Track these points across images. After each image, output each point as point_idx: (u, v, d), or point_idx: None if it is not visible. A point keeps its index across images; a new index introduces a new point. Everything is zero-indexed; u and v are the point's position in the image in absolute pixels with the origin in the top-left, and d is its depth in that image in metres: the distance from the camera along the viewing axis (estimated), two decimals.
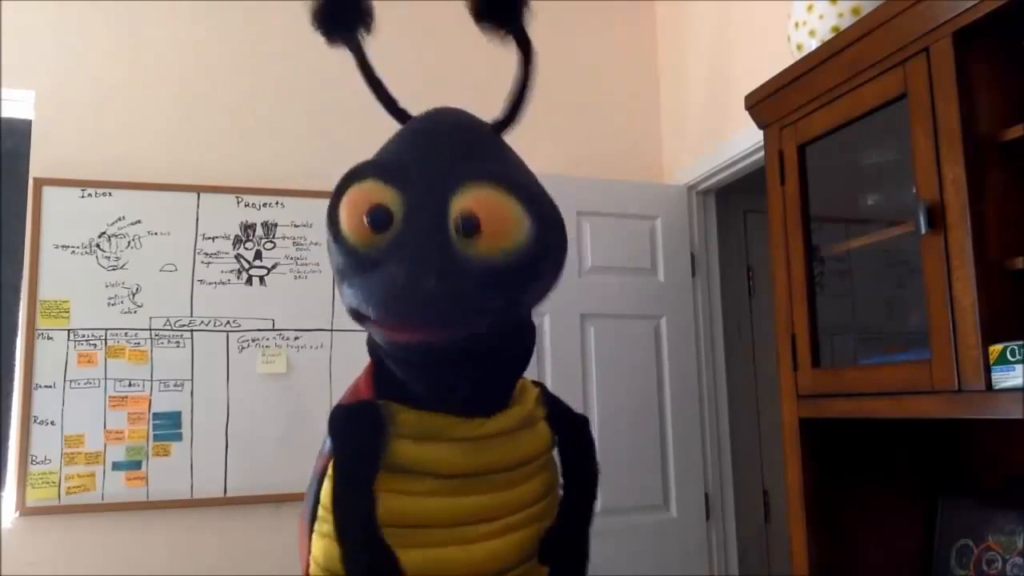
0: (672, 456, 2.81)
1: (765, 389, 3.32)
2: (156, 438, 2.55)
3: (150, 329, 2.60)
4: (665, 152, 3.19)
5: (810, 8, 1.78)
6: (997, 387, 1.25)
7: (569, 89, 3.15)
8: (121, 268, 2.60)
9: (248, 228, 2.73)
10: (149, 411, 2.56)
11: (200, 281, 2.66)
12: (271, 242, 2.73)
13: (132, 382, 2.55)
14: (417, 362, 1.31)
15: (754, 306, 3.39)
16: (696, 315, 2.95)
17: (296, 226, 2.76)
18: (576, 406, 2.65)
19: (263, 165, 2.78)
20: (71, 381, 2.50)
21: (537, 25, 3.50)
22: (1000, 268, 1.31)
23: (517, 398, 1.45)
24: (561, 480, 1.51)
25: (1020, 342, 1.22)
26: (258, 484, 2.60)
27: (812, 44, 1.77)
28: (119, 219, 2.61)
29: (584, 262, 2.82)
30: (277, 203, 2.76)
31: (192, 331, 2.63)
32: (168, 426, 2.56)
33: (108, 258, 2.59)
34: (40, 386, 2.48)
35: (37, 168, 2.58)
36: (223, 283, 2.68)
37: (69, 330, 2.53)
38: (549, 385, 2.63)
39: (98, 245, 2.59)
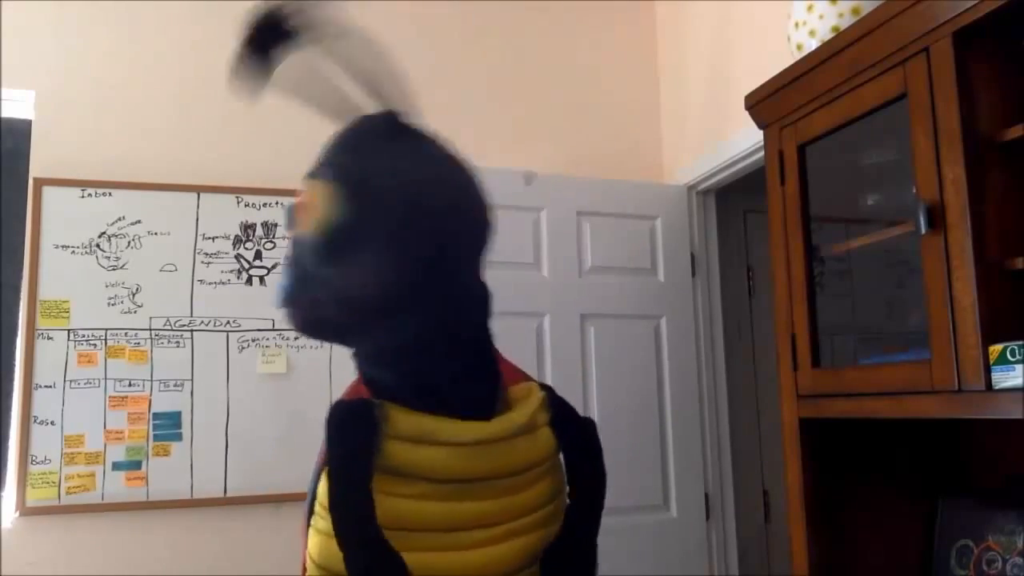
0: (672, 456, 2.82)
1: (765, 389, 3.32)
2: (156, 438, 2.55)
3: (150, 329, 2.60)
4: (665, 152, 3.19)
5: (810, 8, 1.78)
6: (997, 387, 1.25)
7: (569, 89, 3.15)
8: (121, 268, 2.60)
9: (248, 228, 2.73)
10: (149, 411, 2.56)
11: (200, 281, 2.66)
12: (271, 242, 2.73)
13: (132, 382, 2.56)
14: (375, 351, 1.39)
15: (754, 306, 3.39)
16: (696, 315, 2.95)
17: None
18: (576, 406, 2.66)
19: (263, 165, 2.78)
20: (71, 381, 2.50)
21: (537, 25, 3.51)
22: (1000, 268, 1.31)
23: (518, 401, 1.42)
24: (568, 487, 1.48)
25: (1020, 342, 1.22)
26: (258, 484, 2.60)
27: (812, 44, 1.77)
28: (119, 219, 2.62)
29: (584, 262, 2.82)
30: (277, 203, 2.76)
31: (192, 331, 2.63)
32: (168, 426, 2.56)
33: (108, 258, 2.59)
34: (40, 386, 2.48)
35: (37, 168, 2.59)
36: (223, 283, 2.68)
37: (69, 330, 2.53)
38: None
39: (98, 245, 2.59)
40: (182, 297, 2.64)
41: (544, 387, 1.50)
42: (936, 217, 1.37)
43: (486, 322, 1.46)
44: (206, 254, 2.67)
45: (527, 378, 1.51)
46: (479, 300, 1.45)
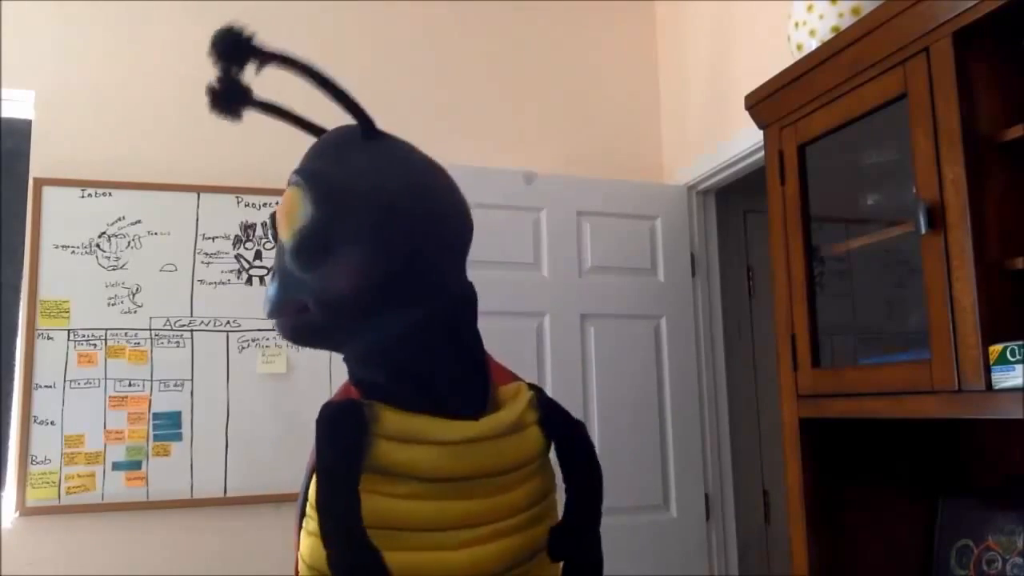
0: (672, 456, 2.82)
1: (765, 389, 3.32)
2: (156, 438, 2.55)
3: (150, 329, 2.60)
4: (665, 152, 3.19)
5: (810, 8, 1.78)
6: (997, 387, 1.25)
7: (569, 89, 3.15)
8: (121, 268, 2.60)
9: (248, 228, 2.73)
10: (149, 411, 2.56)
11: (200, 281, 2.66)
12: (271, 242, 2.73)
13: (132, 382, 2.56)
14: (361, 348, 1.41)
15: (754, 306, 3.39)
16: (696, 315, 2.95)
17: None
18: (576, 406, 2.70)
19: (263, 165, 2.78)
20: (71, 381, 2.50)
21: (537, 25, 3.51)
22: (1000, 268, 1.31)
23: (507, 401, 1.43)
24: (564, 484, 1.48)
25: (1020, 342, 1.23)
26: (258, 484, 2.60)
27: (812, 44, 1.77)
28: (119, 219, 2.62)
29: (584, 262, 2.82)
30: (277, 203, 2.75)
31: (192, 331, 2.63)
32: (168, 426, 2.56)
33: (108, 258, 2.59)
34: (40, 386, 2.48)
35: (37, 168, 2.58)
36: (223, 283, 2.68)
37: (69, 330, 2.53)
38: (549, 385, 2.66)
39: (98, 245, 2.59)
40: (182, 297, 2.64)
41: (533, 387, 1.51)
42: (936, 217, 1.37)
43: (473, 321, 1.47)
44: (206, 254, 2.67)
45: (516, 378, 1.51)
46: (463, 299, 1.45)
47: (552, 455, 1.50)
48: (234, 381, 2.64)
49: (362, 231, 1.32)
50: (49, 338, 2.51)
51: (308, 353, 2.71)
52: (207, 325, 2.64)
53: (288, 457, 2.60)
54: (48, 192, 2.56)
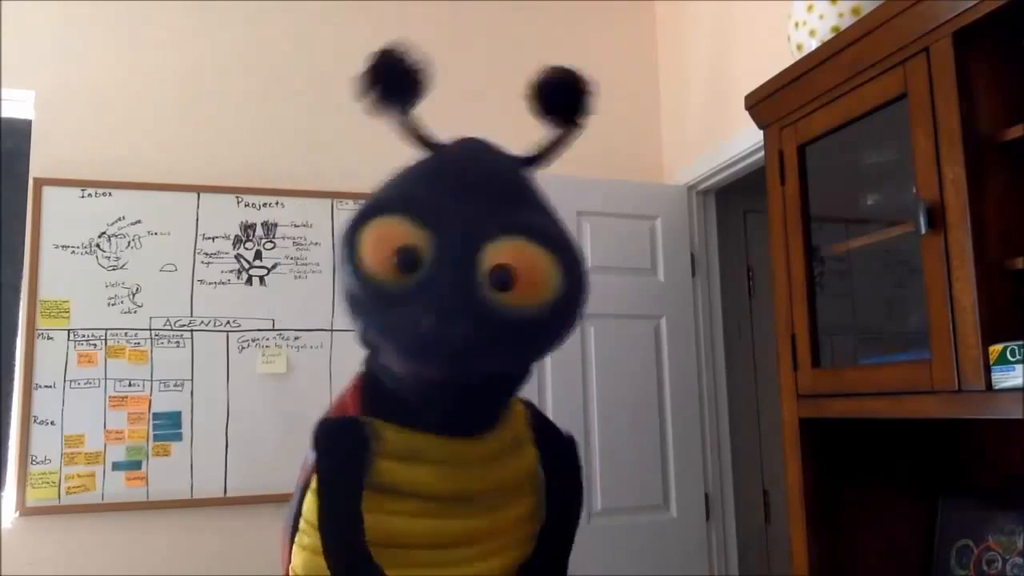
0: (672, 456, 2.81)
1: (765, 389, 3.32)
2: (156, 438, 2.55)
3: (150, 329, 2.60)
4: (665, 152, 3.19)
5: (810, 8, 1.78)
6: (997, 387, 1.25)
7: None
8: (121, 268, 2.60)
9: (248, 228, 2.73)
10: (149, 411, 2.56)
11: (200, 281, 2.66)
12: (271, 242, 2.73)
13: (132, 382, 2.56)
14: (423, 388, 1.31)
15: (754, 306, 3.39)
16: (696, 315, 2.95)
17: (296, 226, 2.76)
18: (576, 406, 2.70)
19: (263, 165, 2.78)
20: (71, 381, 2.50)
21: (537, 25, 3.51)
22: (1000, 268, 1.31)
23: (504, 420, 1.41)
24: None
25: (1020, 342, 1.22)
26: (258, 484, 2.60)
27: (812, 44, 1.77)
28: (119, 219, 2.61)
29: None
30: (277, 203, 2.76)
31: (192, 331, 2.63)
32: (168, 426, 2.56)
33: (108, 258, 2.59)
34: (40, 386, 2.48)
35: (37, 168, 2.59)
36: (223, 283, 2.68)
37: (69, 330, 2.53)
38: (549, 385, 2.66)
39: (98, 245, 2.59)
40: (182, 297, 2.64)
41: (526, 403, 1.50)
42: (936, 217, 1.36)
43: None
44: (206, 254, 2.67)
45: None
46: None
47: None
48: (234, 381, 2.64)
49: (582, 303, 1.40)
50: (49, 338, 2.51)
51: (308, 353, 2.71)
52: (207, 325, 2.64)
53: (288, 457, 2.59)
54: (48, 192, 2.56)
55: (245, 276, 2.70)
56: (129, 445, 2.52)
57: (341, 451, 1.30)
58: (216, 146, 2.76)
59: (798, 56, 1.80)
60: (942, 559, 1.68)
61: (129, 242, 2.61)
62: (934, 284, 1.37)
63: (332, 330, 2.73)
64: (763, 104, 1.82)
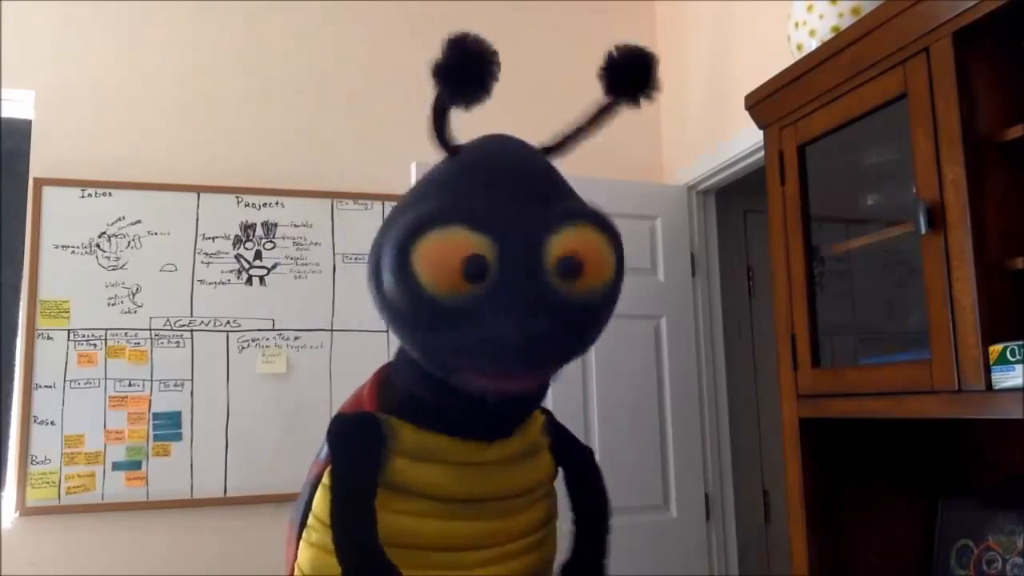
0: (672, 456, 2.81)
1: (765, 389, 3.32)
2: (156, 438, 2.55)
3: (150, 329, 2.60)
4: (665, 152, 3.19)
5: (810, 8, 1.78)
6: (997, 387, 1.25)
7: (569, 89, 3.14)
8: (121, 268, 2.60)
9: (248, 228, 2.73)
10: (149, 411, 2.56)
11: (200, 281, 2.66)
12: (271, 242, 2.73)
13: (132, 382, 2.56)
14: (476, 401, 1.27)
15: (754, 306, 3.39)
16: (696, 315, 2.95)
17: (296, 226, 2.76)
18: (576, 406, 2.70)
19: (263, 165, 2.78)
20: (71, 381, 2.50)
21: (537, 25, 3.51)
22: (1000, 268, 1.31)
23: (521, 426, 1.41)
24: (572, 514, 1.47)
25: (1020, 342, 1.22)
26: (258, 484, 2.60)
27: (812, 44, 1.77)
28: (119, 219, 2.61)
29: None
30: (277, 203, 2.76)
31: (192, 331, 2.63)
32: (168, 426, 2.56)
33: (108, 258, 2.59)
34: (40, 386, 2.48)
35: (37, 168, 2.58)
36: (223, 283, 2.68)
37: (69, 330, 2.53)
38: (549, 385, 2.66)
39: (98, 245, 2.59)
40: (182, 297, 2.64)
41: (544, 410, 1.50)
42: (936, 217, 1.36)
43: None
44: (206, 254, 2.67)
45: None
46: None
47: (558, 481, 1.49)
48: (234, 381, 2.64)
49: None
50: (49, 338, 2.51)
51: (308, 353, 2.71)
52: (207, 325, 2.64)
53: (288, 457, 2.60)
54: (48, 192, 2.56)
55: (245, 276, 2.70)
56: (129, 445, 2.52)
57: (357, 446, 1.29)
58: (216, 146, 2.76)
59: (798, 56, 1.80)
60: (942, 559, 1.68)
61: (129, 242, 2.61)
62: (934, 284, 1.37)
63: (332, 330, 2.73)
64: (763, 104, 1.82)
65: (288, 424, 2.64)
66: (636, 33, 3.26)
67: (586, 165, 3.06)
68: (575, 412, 2.68)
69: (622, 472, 2.68)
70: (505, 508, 1.36)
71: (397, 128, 2.85)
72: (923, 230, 1.38)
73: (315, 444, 1.52)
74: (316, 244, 2.77)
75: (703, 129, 2.91)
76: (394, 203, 1.47)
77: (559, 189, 1.33)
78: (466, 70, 1.26)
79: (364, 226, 2.79)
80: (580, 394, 2.73)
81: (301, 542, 1.38)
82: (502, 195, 1.24)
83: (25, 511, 2.42)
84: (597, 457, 1.55)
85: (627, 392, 2.79)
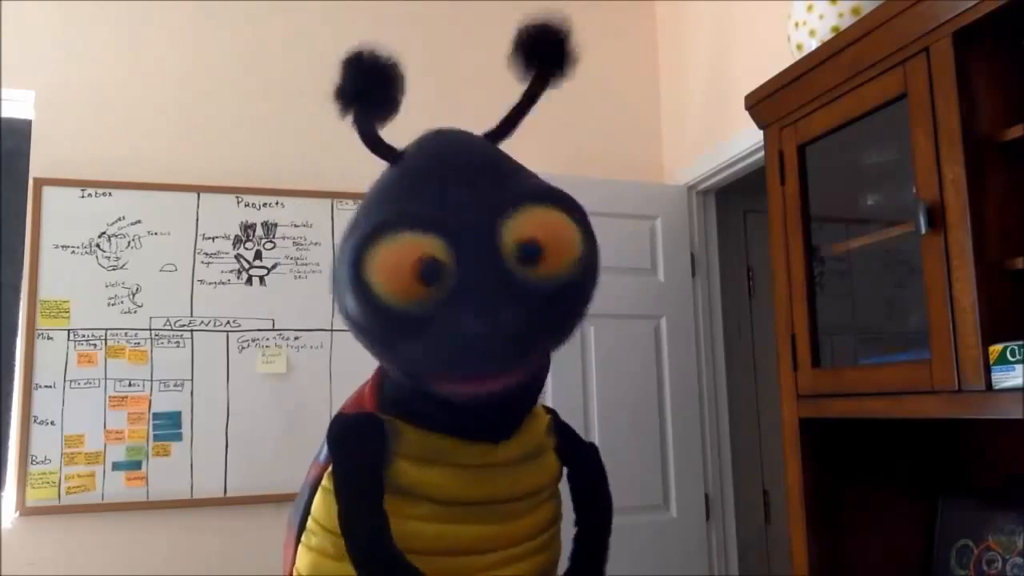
0: (672, 456, 2.81)
1: (765, 389, 3.32)
2: (156, 438, 2.55)
3: (150, 329, 2.60)
4: (665, 152, 3.19)
5: (810, 8, 1.78)
6: (997, 387, 1.25)
7: (569, 89, 3.13)
8: (121, 268, 2.60)
9: (248, 228, 2.73)
10: (149, 411, 2.56)
11: (200, 281, 2.66)
12: (271, 242, 2.73)
13: (132, 382, 2.55)
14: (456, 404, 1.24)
15: (754, 306, 3.39)
16: (696, 315, 2.95)
17: (296, 226, 2.76)
18: (576, 406, 2.70)
19: (263, 165, 2.78)
20: (71, 381, 2.50)
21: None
22: (1000, 268, 1.31)
23: (526, 426, 1.38)
24: (575, 515, 1.45)
25: (1020, 342, 1.22)
26: (258, 484, 2.60)
27: (812, 44, 1.77)
28: (119, 219, 2.61)
29: None
30: (277, 203, 2.76)
31: (192, 331, 2.63)
32: (168, 426, 2.56)
33: (108, 258, 2.59)
34: (40, 386, 2.48)
35: (37, 168, 2.58)
36: (223, 283, 2.68)
37: (69, 330, 2.53)
38: (549, 385, 2.65)
39: (98, 245, 2.59)
40: (182, 297, 2.64)
41: (549, 410, 1.48)
42: (936, 217, 1.36)
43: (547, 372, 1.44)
44: (206, 254, 2.67)
45: None
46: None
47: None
48: (234, 381, 2.64)
49: (598, 262, 1.34)
50: (49, 338, 2.51)
51: (308, 353, 2.71)
52: (207, 325, 2.64)
53: (288, 457, 2.60)
54: (48, 192, 2.56)
55: (245, 276, 2.70)
56: (129, 445, 2.52)
57: (360, 448, 1.25)
58: (216, 146, 2.76)
59: (798, 56, 1.80)
60: (942, 559, 1.68)
61: (129, 242, 2.61)
62: (934, 284, 1.37)
63: (332, 330, 2.73)
64: (763, 104, 1.82)
65: (288, 424, 2.64)
66: (636, 33, 3.26)
67: (586, 165, 3.07)
68: (575, 412, 2.68)
69: (622, 472, 2.66)
70: (509, 511, 1.33)
71: (394, 128, 2.84)
72: (923, 230, 1.38)
73: (315, 444, 1.51)
74: (316, 244, 2.77)
75: (703, 129, 2.91)
76: None
77: (505, 171, 1.27)
78: (365, 91, 1.26)
79: None
80: (580, 394, 2.73)
81: (300, 546, 1.36)
82: (448, 192, 1.18)
83: (25, 511, 2.42)
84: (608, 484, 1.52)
85: (627, 392, 2.79)
